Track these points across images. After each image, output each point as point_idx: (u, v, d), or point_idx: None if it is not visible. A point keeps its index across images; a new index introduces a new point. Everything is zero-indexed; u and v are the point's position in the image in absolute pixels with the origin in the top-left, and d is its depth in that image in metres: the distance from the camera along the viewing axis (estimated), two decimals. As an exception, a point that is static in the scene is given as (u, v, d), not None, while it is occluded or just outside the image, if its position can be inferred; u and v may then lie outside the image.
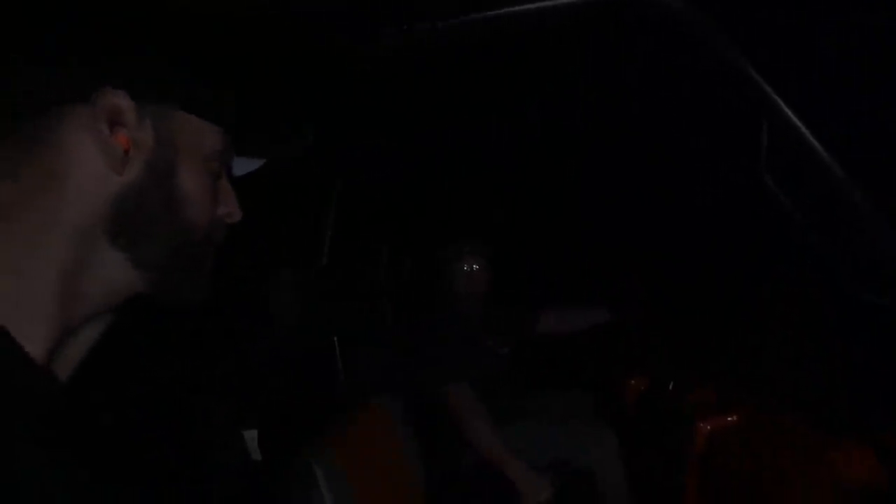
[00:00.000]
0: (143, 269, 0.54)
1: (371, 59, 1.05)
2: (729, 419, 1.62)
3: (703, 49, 0.78)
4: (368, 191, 2.06)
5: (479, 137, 1.75)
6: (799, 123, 0.76)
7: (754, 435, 1.55)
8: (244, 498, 0.71)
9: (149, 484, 0.54)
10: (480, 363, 2.09)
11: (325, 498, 1.14)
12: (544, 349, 2.52)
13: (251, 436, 1.01)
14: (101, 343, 0.56)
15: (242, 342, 1.27)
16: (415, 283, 2.51)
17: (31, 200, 0.49)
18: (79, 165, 0.50)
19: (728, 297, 1.94)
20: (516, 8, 0.89)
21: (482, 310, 2.23)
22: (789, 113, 0.76)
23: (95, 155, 0.50)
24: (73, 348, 0.53)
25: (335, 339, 1.81)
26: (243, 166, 0.67)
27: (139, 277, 0.54)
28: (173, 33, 0.60)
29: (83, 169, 0.50)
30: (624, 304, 2.27)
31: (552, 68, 1.28)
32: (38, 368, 0.48)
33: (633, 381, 2.20)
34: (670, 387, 1.94)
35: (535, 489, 1.80)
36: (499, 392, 2.09)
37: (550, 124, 1.64)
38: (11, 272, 0.48)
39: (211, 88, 0.57)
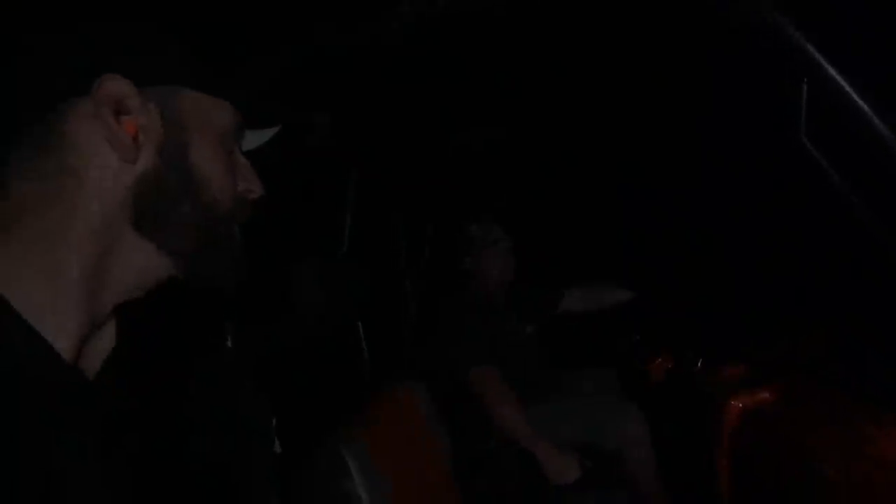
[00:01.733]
0: (172, 255, 0.54)
1: (389, 35, 1.02)
2: (761, 396, 1.58)
3: (742, 7, 0.73)
4: (387, 175, 2.04)
5: (501, 120, 1.72)
6: (842, 82, 0.71)
7: (788, 411, 1.51)
8: (272, 488, 0.70)
9: (178, 476, 0.54)
10: (505, 344, 2.08)
11: (357, 485, 1.14)
12: (570, 328, 2.49)
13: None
14: (129, 335, 0.56)
15: (268, 331, 1.27)
16: (436, 265, 2.50)
17: (51, 199, 0.49)
18: (92, 159, 0.50)
19: (758, 270, 1.89)
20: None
21: (506, 290, 2.21)
22: (832, 71, 0.71)
23: (105, 146, 0.49)
24: (102, 341, 0.53)
25: (359, 325, 1.80)
26: (254, 140, 0.66)
27: (169, 263, 0.54)
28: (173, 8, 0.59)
29: (96, 161, 0.50)
30: (648, 281, 2.23)
31: (581, 38, 1.23)
32: (67, 365, 0.48)
33: (660, 359, 2.16)
34: (699, 364, 1.90)
35: (562, 470, 1.78)
36: (525, 372, 2.08)
37: (577, 98, 1.60)
38: (39, 270, 0.48)
39: (215, 64, 0.56)
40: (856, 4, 0.81)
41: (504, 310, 2.19)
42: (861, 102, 0.73)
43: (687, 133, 1.81)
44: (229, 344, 1.04)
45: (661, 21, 1.06)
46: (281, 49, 0.99)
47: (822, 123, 0.78)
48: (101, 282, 0.51)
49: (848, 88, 0.73)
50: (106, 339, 0.54)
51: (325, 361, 1.64)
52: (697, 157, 2.00)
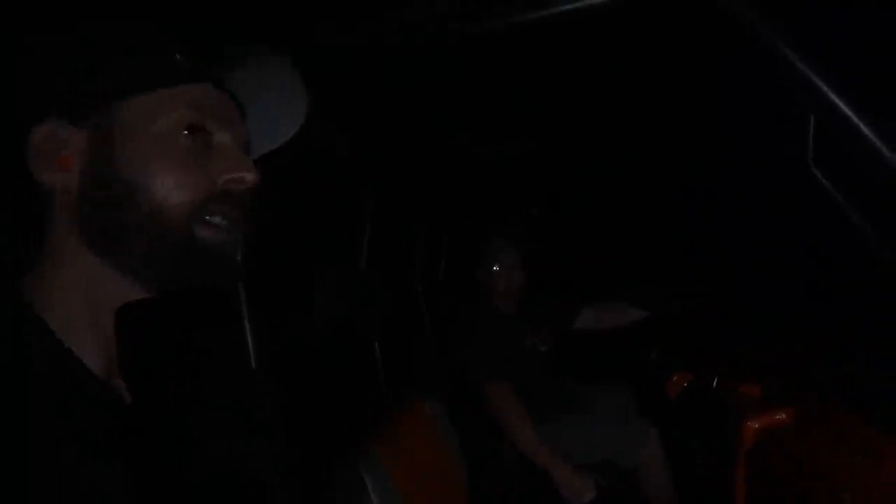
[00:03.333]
0: (134, 273, 0.54)
1: (407, 57, 1.06)
2: (778, 417, 1.57)
3: (751, 42, 0.76)
4: (403, 192, 2.08)
5: (518, 139, 1.76)
6: (850, 113, 0.74)
7: (806, 432, 1.50)
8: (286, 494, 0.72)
9: (189, 476, 0.55)
10: (520, 361, 2.09)
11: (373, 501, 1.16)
12: (586, 345, 2.50)
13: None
14: (151, 348, 0.57)
15: (289, 337, 1.30)
16: (451, 281, 2.53)
17: (44, 247, 0.54)
18: (49, 201, 0.54)
19: (775, 293, 1.89)
20: (555, 10, 0.89)
21: (519, 307, 2.23)
22: (839, 103, 0.74)
23: (47, 186, 0.53)
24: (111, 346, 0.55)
25: (376, 339, 1.83)
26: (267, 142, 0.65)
27: (137, 280, 0.54)
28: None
29: (52, 202, 0.54)
30: (666, 299, 2.24)
31: (593, 61, 1.27)
32: (98, 382, 0.52)
33: (675, 378, 2.16)
34: (714, 383, 1.89)
35: (578, 490, 1.79)
36: (540, 389, 2.09)
37: (591, 122, 1.63)
38: (59, 305, 0.53)
39: (160, 59, 0.55)
40: (858, 41, 0.84)
41: (519, 325, 2.21)
42: (865, 131, 0.75)
43: (704, 157, 1.84)
44: (250, 348, 1.08)
45: (683, 54, 1.09)
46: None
47: (827, 151, 0.80)
48: (99, 309, 0.54)
49: (854, 119, 0.75)
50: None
51: (341, 372, 1.68)
52: (715, 179, 2.01)
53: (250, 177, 0.56)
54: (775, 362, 1.82)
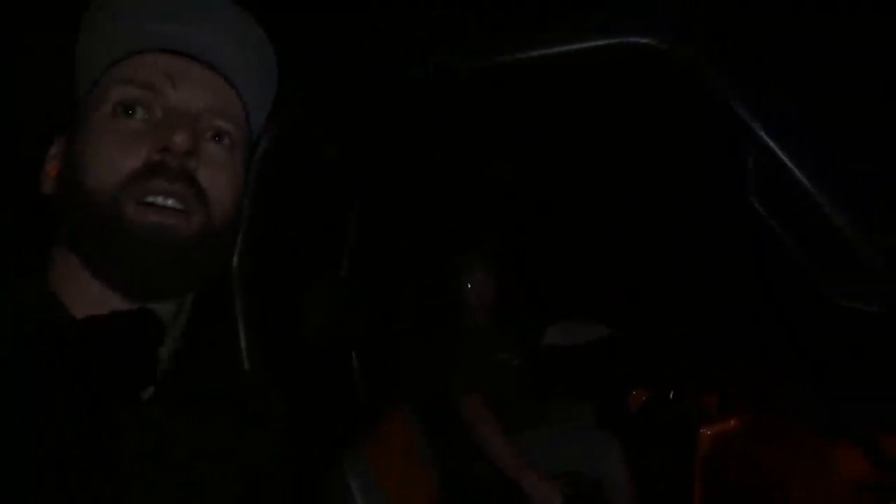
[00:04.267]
0: (101, 276, 0.51)
1: (398, 91, 1.16)
2: (729, 424, 1.71)
3: (697, 88, 0.90)
4: (383, 207, 2.17)
5: (490, 161, 1.88)
6: (781, 152, 0.87)
7: (754, 438, 1.64)
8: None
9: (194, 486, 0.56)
10: (493, 374, 2.17)
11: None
12: (554, 362, 2.61)
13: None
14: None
15: (281, 346, 1.35)
16: (425, 295, 2.60)
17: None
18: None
19: (724, 313, 2.05)
20: (532, 53, 1.01)
21: (491, 322, 2.31)
22: (772, 143, 0.87)
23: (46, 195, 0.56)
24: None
25: (353, 351, 1.89)
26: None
27: (103, 276, 0.51)
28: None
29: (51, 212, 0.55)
30: (627, 319, 2.38)
31: (554, 101, 1.40)
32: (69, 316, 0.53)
33: (635, 392, 2.29)
34: (671, 395, 2.03)
35: (546, 497, 1.87)
36: (511, 402, 2.17)
37: (556, 151, 1.77)
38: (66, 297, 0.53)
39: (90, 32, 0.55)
40: (794, 88, 0.98)
41: (491, 339, 2.30)
42: (796, 169, 0.89)
43: (659, 189, 2.01)
44: (245, 358, 1.13)
45: (643, 96, 1.23)
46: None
47: (766, 185, 0.93)
48: (88, 301, 0.52)
49: (785, 158, 0.88)
50: None
51: (326, 378, 1.73)
52: (667, 207, 2.19)
53: (179, 140, 0.50)
54: (728, 378, 1.97)
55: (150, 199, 0.50)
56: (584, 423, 2.35)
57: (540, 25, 1.05)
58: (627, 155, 1.74)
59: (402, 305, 2.46)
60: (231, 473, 0.59)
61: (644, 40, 0.99)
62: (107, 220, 0.49)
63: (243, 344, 1.12)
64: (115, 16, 0.54)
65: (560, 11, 1.06)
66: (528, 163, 1.93)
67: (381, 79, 1.12)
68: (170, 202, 0.50)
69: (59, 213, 0.53)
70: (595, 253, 2.83)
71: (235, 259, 1.12)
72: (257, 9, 0.59)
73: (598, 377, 2.68)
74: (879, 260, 0.96)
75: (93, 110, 0.52)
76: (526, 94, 1.36)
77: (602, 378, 2.66)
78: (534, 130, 1.62)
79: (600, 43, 1.02)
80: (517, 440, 1.98)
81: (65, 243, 0.53)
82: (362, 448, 1.45)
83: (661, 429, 2.04)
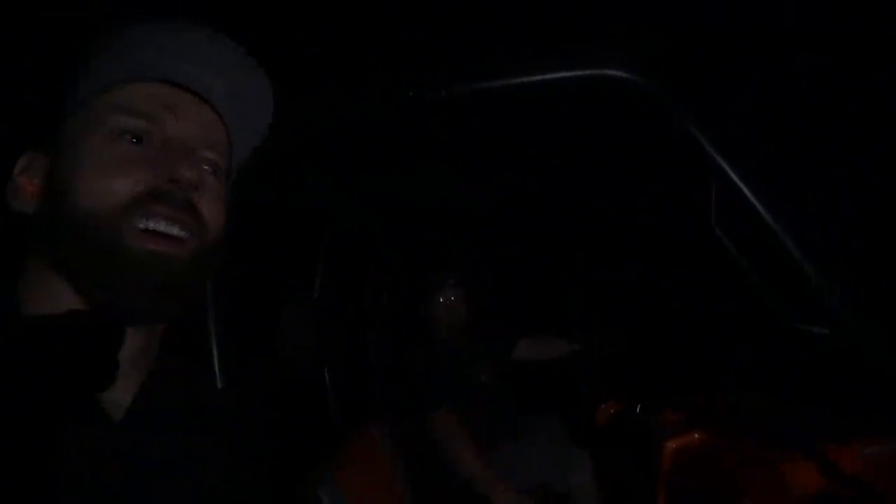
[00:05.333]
0: (83, 292, 0.52)
1: (378, 118, 1.19)
2: (691, 438, 1.77)
3: (662, 120, 0.95)
4: (355, 228, 2.18)
5: (461, 185, 1.91)
6: (742, 184, 0.93)
7: (714, 451, 1.71)
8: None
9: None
10: (463, 391, 2.19)
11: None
12: (524, 378, 2.66)
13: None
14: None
15: (258, 372, 1.35)
16: (395, 314, 2.61)
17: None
18: (21, 223, 0.54)
19: (686, 331, 2.14)
20: (508, 82, 1.05)
21: (461, 339, 2.34)
22: (733, 175, 0.93)
23: (17, 209, 0.55)
24: (122, 388, 0.55)
25: (325, 369, 1.89)
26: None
27: (80, 298, 0.52)
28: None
29: (27, 223, 0.54)
30: (595, 337, 2.45)
31: (526, 129, 1.45)
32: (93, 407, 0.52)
33: (603, 406, 2.35)
34: (637, 409, 2.09)
35: (517, 510, 1.90)
36: (482, 418, 2.19)
37: (526, 177, 1.82)
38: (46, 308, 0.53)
39: (97, 55, 0.54)
40: (756, 124, 1.05)
41: (462, 355, 2.32)
42: (755, 201, 0.95)
43: (625, 214, 2.08)
44: (219, 384, 1.13)
45: (609, 124, 1.28)
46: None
47: (727, 215, 0.99)
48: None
49: (746, 189, 0.94)
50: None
51: (298, 402, 1.72)
52: (634, 235, 2.27)
53: (187, 174, 0.52)
54: (691, 393, 2.04)
55: (153, 224, 0.51)
56: (554, 439, 2.38)
57: (515, 55, 1.09)
58: (598, 178, 1.80)
59: (374, 324, 2.47)
60: (203, 493, 0.59)
61: (614, 72, 1.04)
62: (103, 244, 0.50)
63: (216, 364, 1.12)
64: (112, 43, 0.55)
65: (528, 42, 1.11)
66: (501, 185, 1.98)
67: (359, 106, 1.14)
68: (174, 230, 0.52)
69: (41, 229, 0.53)
70: (565, 270, 2.90)
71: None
72: (236, 37, 0.60)
73: (567, 394, 2.74)
74: (831, 287, 1.02)
75: (87, 132, 0.52)
76: (497, 119, 1.40)
77: (571, 395, 2.72)
78: (506, 154, 1.67)
79: (573, 74, 1.07)
80: (488, 456, 2.00)
81: (43, 258, 0.53)
82: (335, 468, 1.45)
83: (627, 442, 2.10)
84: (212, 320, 1.12)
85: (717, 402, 1.89)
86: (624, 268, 2.58)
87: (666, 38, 0.97)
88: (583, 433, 2.40)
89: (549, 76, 1.06)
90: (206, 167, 0.57)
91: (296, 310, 1.64)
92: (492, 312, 2.64)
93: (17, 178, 0.55)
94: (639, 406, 2.09)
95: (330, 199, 1.83)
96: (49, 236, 0.52)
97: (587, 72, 1.01)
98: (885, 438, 1.40)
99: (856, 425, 1.50)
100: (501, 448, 2.13)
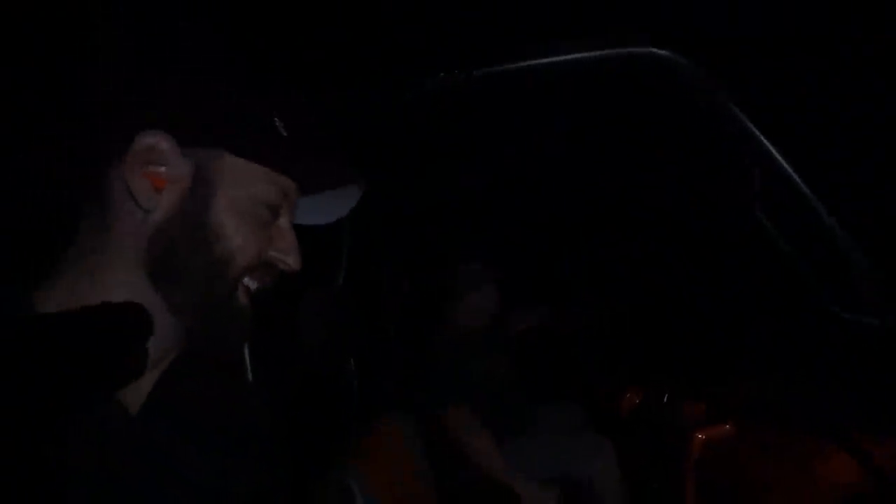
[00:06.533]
0: (180, 314, 0.55)
1: (402, 106, 1.16)
2: (722, 429, 1.73)
3: (705, 105, 0.90)
4: (378, 216, 2.15)
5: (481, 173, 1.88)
6: (789, 168, 0.88)
7: (746, 443, 1.67)
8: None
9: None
10: (479, 382, 2.16)
11: (361, 508, 1.21)
12: (542, 364, 2.63)
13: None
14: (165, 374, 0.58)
15: (282, 364, 1.34)
16: (417, 305, 2.59)
17: (89, 247, 0.53)
18: (119, 212, 0.53)
19: (719, 319, 2.08)
20: (532, 62, 1.01)
21: (477, 329, 2.30)
22: (780, 159, 0.88)
23: (131, 199, 0.52)
24: (145, 380, 0.56)
25: (351, 359, 1.88)
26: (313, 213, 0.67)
27: (177, 324, 0.55)
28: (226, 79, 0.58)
29: (122, 215, 0.53)
30: (620, 322, 2.41)
31: (555, 113, 1.41)
32: (111, 398, 0.52)
33: (628, 394, 2.31)
34: (665, 399, 2.05)
35: (540, 501, 1.89)
36: (499, 408, 2.17)
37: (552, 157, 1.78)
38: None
39: (269, 136, 0.56)
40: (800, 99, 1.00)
41: (482, 346, 2.29)
42: (803, 185, 0.90)
43: (667, 201, 2.03)
44: (249, 377, 1.11)
45: (647, 114, 1.24)
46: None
47: (772, 200, 0.95)
48: None
49: (793, 174, 0.90)
50: (149, 379, 0.56)
51: (321, 394, 1.71)
52: (671, 218, 2.21)
53: (294, 264, 0.60)
54: (721, 382, 2.00)
55: (248, 282, 0.58)
56: (574, 427, 2.35)
57: (543, 35, 1.05)
58: (633, 160, 1.75)
59: (395, 315, 2.45)
60: (217, 488, 0.58)
61: (648, 50, 1.00)
62: (220, 289, 0.55)
63: (247, 357, 1.10)
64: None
65: (560, 22, 1.07)
66: (528, 171, 1.94)
67: (383, 92, 1.11)
68: (256, 287, 0.59)
69: (159, 237, 0.53)
70: (590, 259, 2.86)
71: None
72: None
73: (587, 380, 2.71)
74: (876, 273, 0.97)
75: (246, 184, 0.55)
76: (525, 101, 1.36)
77: (594, 380, 2.68)
78: (532, 137, 1.63)
79: (605, 53, 1.03)
80: (507, 446, 1.99)
81: (139, 259, 0.53)
82: (358, 460, 1.44)
83: (653, 431, 2.06)
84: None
85: (746, 391, 1.84)
86: (661, 253, 2.51)
87: (708, 16, 0.93)
88: (605, 422, 2.37)
89: (590, 54, 1.02)
90: None
91: (316, 300, 1.63)
92: (512, 298, 2.61)
93: (144, 160, 0.51)
94: (665, 395, 2.05)
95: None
96: (171, 257, 0.53)
97: (630, 49, 0.97)
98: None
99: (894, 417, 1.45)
100: (520, 438, 2.11)
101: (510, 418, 2.19)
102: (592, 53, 0.98)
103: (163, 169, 0.52)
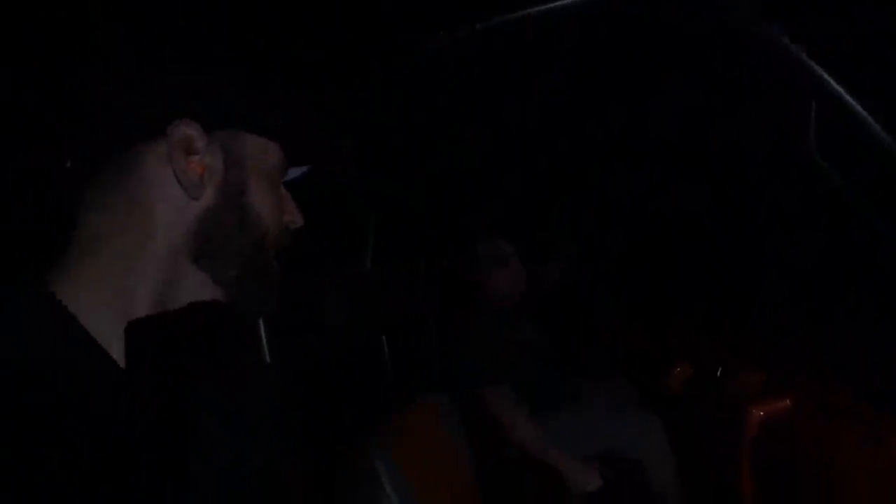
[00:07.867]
0: (222, 286, 0.59)
1: (416, 66, 1.08)
2: (782, 403, 1.60)
3: (755, 36, 0.78)
4: (407, 197, 2.10)
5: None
6: (851, 101, 0.75)
7: (808, 418, 1.53)
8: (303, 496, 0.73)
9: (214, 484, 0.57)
10: (517, 358, 2.09)
11: (390, 495, 1.18)
12: (588, 338, 2.53)
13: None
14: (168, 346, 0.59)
15: (304, 345, 1.32)
16: (451, 281, 2.53)
17: (121, 231, 0.54)
18: (160, 194, 0.55)
19: (776, 284, 1.92)
20: (557, 3, 0.91)
21: (514, 306, 2.23)
22: (841, 91, 0.76)
23: (174, 183, 0.54)
24: None
25: (383, 338, 1.85)
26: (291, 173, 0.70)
27: (219, 293, 0.59)
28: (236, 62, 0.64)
29: (165, 197, 0.55)
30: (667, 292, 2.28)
31: (559, 57, 1.30)
32: (114, 362, 0.52)
33: (678, 369, 2.18)
34: (718, 373, 1.92)
35: (583, 480, 1.81)
36: (539, 384, 2.10)
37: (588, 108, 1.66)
38: (109, 299, 0.53)
39: (270, 110, 0.61)
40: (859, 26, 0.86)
41: (518, 320, 2.22)
42: (869, 118, 0.77)
43: (703, 147, 1.87)
44: (267, 359, 1.09)
45: (681, 45, 1.11)
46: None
47: (831, 140, 0.82)
48: (163, 309, 0.56)
49: (856, 107, 0.77)
50: None
51: (350, 373, 1.69)
52: (714, 170, 2.05)
53: (300, 220, 0.65)
54: (775, 350, 1.85)
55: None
56: (620, 403, 2.25)
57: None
58: (658, 114, 1.61)
59: (431, 294, 2.40)
60: (236, 469, 0.60)
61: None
62: (259, 263, 0.60)
63: (263, 339, 1.08)
64: None
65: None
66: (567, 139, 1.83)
67: (394, 53, 1.05)
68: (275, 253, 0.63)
69: (203, 220, 0.56)
70: (632, 229, 2.71)
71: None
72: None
73: (637, 353, 2.59)
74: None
75: (267, 159, 0.60)
76: (528, 50, 1.26)
77: (642, 354, 2.56)
78: (535, 86, 1.51)
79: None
80: (548, 423, 1.92)
81: (182, 241, 0.56)
82: (390, 435, 1.40)
83: (706, 408, 1.94)
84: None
85: (808, 360, 1.69)
86: (707, 209, 2.34)
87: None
88: (654, 398, 2.25)
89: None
90: None
91: (342, 283, 1.60)
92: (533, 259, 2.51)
93: (183, 147, 0.54)
94: (719, 370, 1.92)
95: (377, 159, 1.75)
96: (216, 237, 0.57)
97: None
98: None
99: None
100: (561, 415, 2.03)
101: (552, 395, 2.12)
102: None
103: (197, 157, 0.55)
